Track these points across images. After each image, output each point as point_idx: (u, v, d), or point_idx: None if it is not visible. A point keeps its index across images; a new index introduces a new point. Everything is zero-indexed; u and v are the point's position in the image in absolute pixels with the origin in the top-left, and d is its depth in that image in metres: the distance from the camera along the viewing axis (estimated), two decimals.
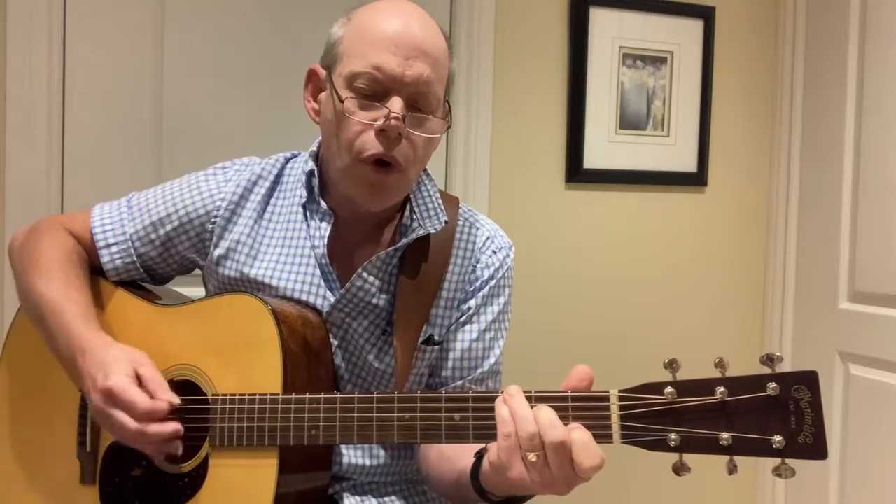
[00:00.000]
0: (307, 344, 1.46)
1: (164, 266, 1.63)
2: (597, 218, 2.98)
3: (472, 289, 1.58)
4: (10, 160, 2.34)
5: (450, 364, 1.57)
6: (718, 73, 3.10)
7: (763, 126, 3.22)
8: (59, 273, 1.51)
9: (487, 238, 1.62)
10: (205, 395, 1.42)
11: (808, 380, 1.09)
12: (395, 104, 1.40)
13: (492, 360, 1.59)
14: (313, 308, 1.52)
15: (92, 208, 1.66)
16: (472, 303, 1.58)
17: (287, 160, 1.65)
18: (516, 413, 1.15)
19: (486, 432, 1.22)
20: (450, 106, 1.52)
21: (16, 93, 2.34)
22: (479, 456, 1.30)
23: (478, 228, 1.62)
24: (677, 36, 3.02)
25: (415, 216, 1.56)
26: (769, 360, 1.10)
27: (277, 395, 1.37)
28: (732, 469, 1.11)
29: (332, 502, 1.53)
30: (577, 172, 2.91)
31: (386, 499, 1.57)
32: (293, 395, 1.35)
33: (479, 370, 1.58)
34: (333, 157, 1.47)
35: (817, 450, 1.09)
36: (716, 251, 3.17)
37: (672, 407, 1.13)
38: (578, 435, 1.12)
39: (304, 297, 1.52)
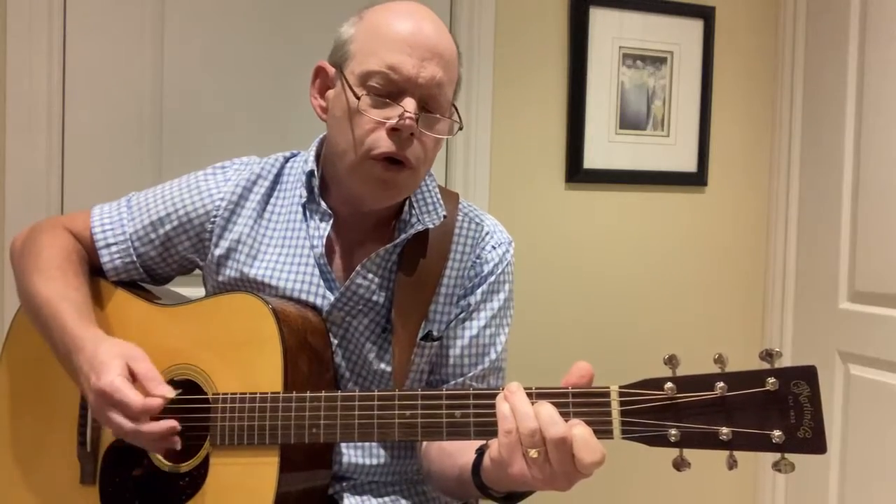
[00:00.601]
0: (308, 343, 1.46)
1: (163, 266, 1.63)
2: (597, 218, 2.98)
3: (471, 285, 1.58)
4: (10, 160, 2.35)
5: (450, 361, 1.57)
6: (718, 73, 3.10)
7: (763, 126, 3.23)
8: (57, 272, 1.51)
9: (487, 233, 1.62)
10: (205, 394, 1.42)
11: (807, 374, 1.10)
12: (409, 104, 1.41)
13: (492, 357, 1.59)
14: (313, 307, 1.52)
15: (92, 208, 1.66)
16: (471, 299, 1.58)
17: (286, 159, 1.65)
18: (517, 409, 1.15)
19: (487, 429, 1.22)
20: (456, 109, 1.52)
21: (16, 93, 2.34)
22: (481, 452, 1.30)
23: (477, 224, 1.62)
24: (677, 36, 3.02)
25: (414, 212, 1.56)
26: (768, 355, 1.10)
27: (278, 393, 1.37)
28: (732, 464, 1.12)
29: (333, 502, 1.53)
30: (577, 172, 2.91)
31: (386, 498, 1.57)
32: (294, 394, 1.35)
33: (480, 367, 1.58)
34: (341, 154, 1.47)
35: (817, 444, 1.09)
36: (716, 251, 3.17)
37: (672, 402, 1.14)
38: (579, 431, 1.12)
39: (303, 297, 1.52)
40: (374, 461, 1.57)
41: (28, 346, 1.59)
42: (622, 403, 1.16)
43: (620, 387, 1.17)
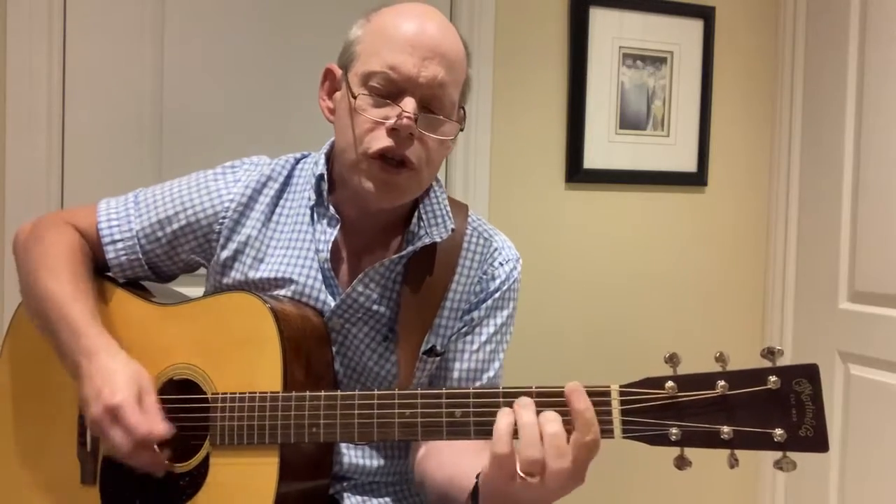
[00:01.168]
0: (307, 343, 1.45)
1: (169, 264, 1.62)
2: (597, 218, 2.98)
3: (476, 300, 1.57)
4: (10, 160, 2.34)
5: (449, 375, 1.56)
6: (718, 73, 3.10)
7: (763, 126, 3.22)
8: (65, 272, 1.49)
9: (495, 249, 1.61)
10: (204, 394, 1.42)
11: (809, 373, 1.10)
12: (409, 104, 1.40)
13: (491, 374, 1.58)
14: (313, 307, 1.52)
15: (98, 203, 1.64)
16: (475, 313, 1.57)
17: (297, 161, 1.64)
18: (525, 436, 1.15)
19: (487, 428, 1.21)
20: (464, 112, 1.52)
21: (16, 93, 2.34)
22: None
23: (486, 239, 1.61)
24: (677, 36, 3.02)
25: (422, 224, 1.55)
26: (770, 353, 1.10)
27: (278, 393, 1.36)
28: (733, 463, 1.11)
29: (333, 502, 1.53)
30: (577, 172, 2.91)
31: (387, 499, 1.57)
32: (293, 393, 1.35)
33: (478, 382, 1.57)
34: (343, 154, 1.47)
35: (818, 442, 1.09)
36: (716, 251, 3.17)
37: (673, 401, 1.14)
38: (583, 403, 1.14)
39: (304, 301, 1.52)
40: (375, 461, 1.56)
41: (28, 344, 1.58)
42: (623, 403, 1.16)
43: (621, 386, 1.17)
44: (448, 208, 1.59)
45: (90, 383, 1.35)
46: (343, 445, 1.54)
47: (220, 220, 1.56)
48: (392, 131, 1.40)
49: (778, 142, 3.21)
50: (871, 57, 2.87)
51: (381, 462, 1.57)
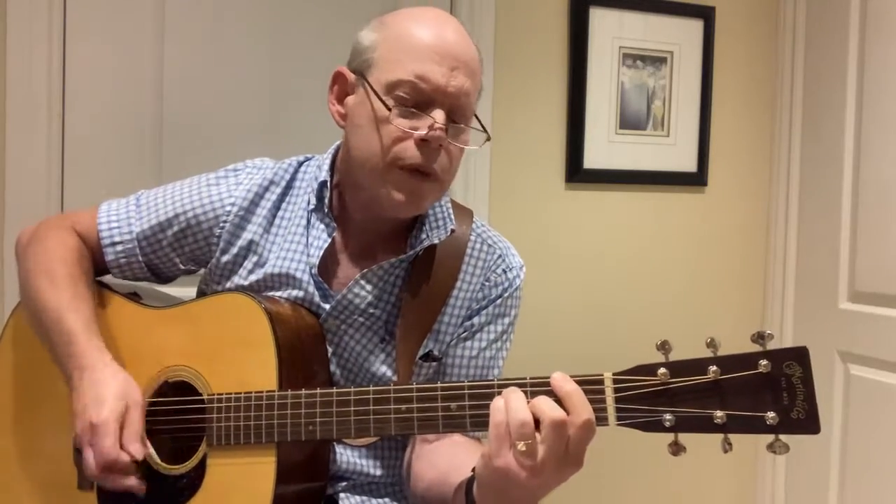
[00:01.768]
0: (302, 342, 1.46)
1: (169, 266, 1.62)
2: (597, 218, 2.98)
3: (477, 307, 1.57)
4: (10, 160, 2.35)
5: (449, 380, 1.52)
6: (718, 73, 3.10)
7: (763, 126, 3.23)
8: (63, 278, 1.49)
9: (499, 256, 1.60)
10: (200, 395, 1.42)
11: (799, 356, 1.11)
12: (440, 115, 1.39)
13: (491, 380, 1.57)
14: (308, 308, 1.52)
15: (99, 205, 1.64)
16: (475, 320, 1.57)
17: (300, 164, 1.63)
18: (510, 404, 1.15)
19: (483, 420, 1.22)
20: (479, 119, 1.51)
21: (16, 93, 2.34)
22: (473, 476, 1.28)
23: (490, 246, 1.60)
24: (677, 36, 3.02)
25: (424, 228, 1.55)
26: (760, 337, 1.11)
27: (273, 392, 1.36)
28: (727, 448, 1.12)
29: (331, 502, 1.53)
30: (577, 172, 2.91)
31: (385, 499, 1.57)
32: (289, 392, 1.35)
33: None
34: (363, 162, 1.45)
35: (810, 424, 1.09)
36: (716, 251, 3.17)
37: (666, 387, 1.14)
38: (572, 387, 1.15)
39: (300, 302, 1.52)
40: (373, 462, 1.56)
41: (25, 347, 1.59)
42: (616, 390, 1.17)
43: (614, 374, 1.18)
44: (451, 211, 1.59)
45: (79, 398, 1.36)
46: (341, 446, 1.54)
47: (222, 224, 1.56)
48: (422, 142, 1.39)
49: (778, 142, 3.21)
50: (871, 57, 2.87)
51: (380, 462, 1.57)
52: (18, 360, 1.60)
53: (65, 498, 1.50)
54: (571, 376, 1.18)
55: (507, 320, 1.60)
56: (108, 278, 1.64)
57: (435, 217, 1.56)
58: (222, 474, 1.38)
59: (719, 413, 1.11)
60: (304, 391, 1.34)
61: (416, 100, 1.40)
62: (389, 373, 1.53)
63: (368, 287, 1.51)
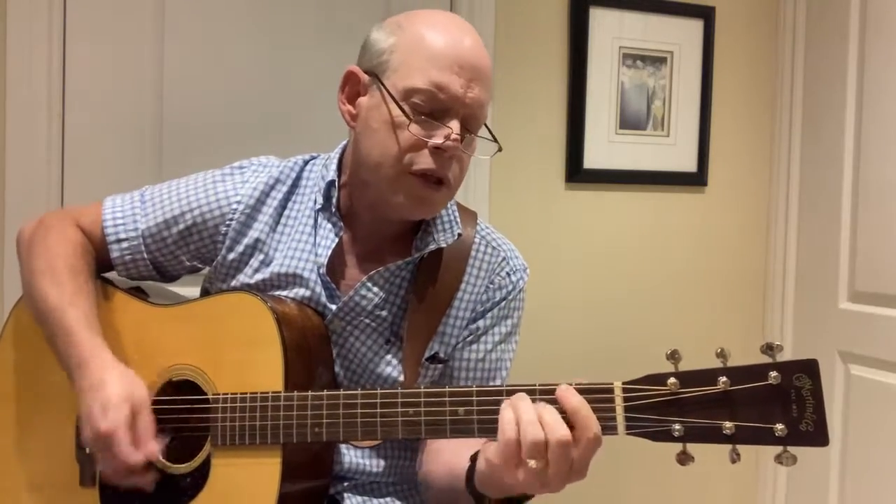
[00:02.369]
0: (308, 342, 1.45)
1: (174, 264, 1.61)
2: (597, 218, 2.98)
3: (482, 309, 1.57)
4: (10, 160, 2.34)
5: (457, 384, 1.55)
6: (718, 73, 3.10)
7: (763, 126, 3.23)
8: (65, 274, 1.48)
9: (503, 259, 1.60)
10: (205, 394, 1.42)
11: (809, 368, 1.11)
12: (456, 126, 1.40)
13: (497, 382, 1.57)
14: (314, 309, 1.52)
15: (103, 200, 1.63)
16: (480, 322, 1.57)
17: (305, 162, 1.62)
18: (522, 418, 1.15)
19: (491, 426, 1.22)
20: (489, 129, 1.51)
21: (16, 93, 2.33)
22: (474, 460, 1.29)
23: (494, 248, 1.60)
24: (677, 36, 3.02)
25: (430, 230, 1.54)
26: (769, 348, 1.11)
27: (279, 393, 1.36)
28: (735, 458, 1.12)
29: (334, 502, 1.53)
30: (577, 172, 2.91)
31: (388, 499, 1.57)
32: (295, 393, 1.35)
33: None
34: (375, 165, 1.44)
35: (819, 437, 1.10)
36: (716, 251, 3.17)
37: (675, 397, 1.14)
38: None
39: (306, 303, 1.52)
40: (376, 462, 1.56)
41: (26, 344, 1.58)
42: (626, 399, 1.17)
43: (624, 383, 1.18)
44: (457, 214, 1.59)
45: (83, 399, 1.35)
46: (344, 446, 1.53)
47: (227, 222, 1.55)
48: (436, 150, 1.40)
49: (778, 142, 3.21)
50: (871, 57, 2.87)
51: (382, 462, 1.57)
52: (19, 358, 1.60)
53: (67, 494, 1.49)
54: (582, 384, 1.19)
55: (511, 322, 1.60)
56: (112, 275, 1.63)
57: (442, 220, 1.56)
58: (226, 474, 1.38)
59: (728, 424, 1.11)
60: (310, 393, 1.34)
61: (432, 108, 1.40)
62: (395, 374, 1.53)
63: (375, 289, 1.51)
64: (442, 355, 1.55)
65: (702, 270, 3.15)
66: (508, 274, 1.59)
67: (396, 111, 1.41)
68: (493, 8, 2.77)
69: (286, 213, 1.57)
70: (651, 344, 2.98)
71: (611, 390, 1.17)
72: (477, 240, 1.60)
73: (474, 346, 1.56)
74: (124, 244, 1.59)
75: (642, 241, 3.05)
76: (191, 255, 1.59)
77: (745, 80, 3.18)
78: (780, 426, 1.09)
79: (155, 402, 1.41)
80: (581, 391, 1.18)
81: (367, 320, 1.52)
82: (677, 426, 1.13)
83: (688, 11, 3.03)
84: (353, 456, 1.54)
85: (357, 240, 1.55)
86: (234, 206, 1.55)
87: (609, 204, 2.99)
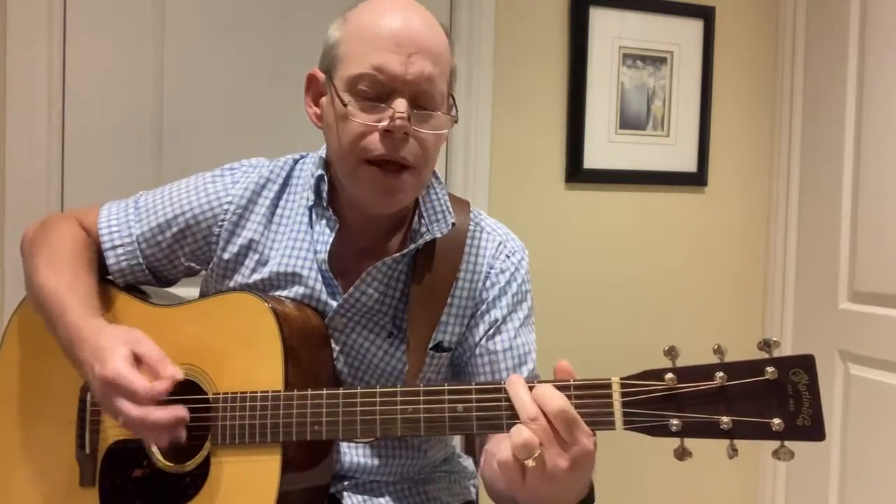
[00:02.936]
0: (308, 341, 1.46)
1: (170, 268, 1.62)
2: (597, 218, 2.98)
3: (488, 297, 1.56)
4: (10, 160, 2.34)
5: (491, 377, 1.54)
6: (718, 73, 3.11)
7: (763, 126, 3.23)
8: (65, 264, 1.50)
9: (500, 243, 1.60)
10: (205, 393, 1.42)
11: (806, 363, 1.11)
12: (400, 104, 1.37)
13: (530, 366, 1.57)
14: (314, 307, 1.52)
15: (101, 208, 1.64)
16: (496, 313, 1.56)
17: (296, 161, 1.63)
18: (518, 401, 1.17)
19: (490, 422, 1.23)
20: (454, 100, 1.50)
21: (16, 93, 2.34)
22: None
23: (489, 233, 1.61)
24: (677, 36, 3.02)
25: (423, 221, 1.54)
26: (766, 344, 1.12)
27: (279, 391, 1.36)
28: (732, 453, 1.12)
29: (335, 501, 1.53)
30: (577, 172, 2.91)
31: (388, 497, 1.57)
32: (295, 392, 1.35)
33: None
34: (339, 162, 1.46)
35: (815, 431, 1.10)
36: (716, 251, 3.18)
37: (673, 393, 1.14)
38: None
39: (305, 302, 1.52)
40: (376, 460, 1.56)
41: (26, 345, 1.59)
42: (624, 395, 1.17)
43: (622, 378, 1.18)
44: (448, 204, 1.58)
45: (86, 366, 1.34)
46: (344, 445, 1.54)
47: (220, 223, 1.56)
48: (385, 133, 1.38)
49: (778, 142, 3.22)
50: (872, 57, 2.87)
51: (382, 461, 1.57)
52: (21, 358, 1.60)
53: (67, 495, 1.50)
54: (580, 380, 1.20)
55: (526, 304, 1.60)
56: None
57: (434, 210, 1.56)
58: (226, 473, 1.38)
59: (725, 419, 1.11)
60: (310, 391, 1.34)
61: (378, 91, 1.39)
62: (399, 367, 1.54)
63: (374, 284, 1.51)
64: (446, 344, 1.55)
65: (702, 270, 3.15)
66: (508, 256, 1.59)
67: (338, 102, 1.41)
68: (493, 8, 2.77)
69: (279, 211, 1.58)
70: (651, 344, 2.97)
71: (608, 385, 1.18)
72: (471, 227, 1.60)
73: (498, 338, 1.55)
74: (119, 250, 1.59)
75: (642, 241, 3.05)
76: (186, 257, 1.60)
77: (745, 80, 3.18)
78: (776, 421, 1.09)
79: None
80: (578, 386, 1.19)
81: (369, 315, 1.52)
82: (675, 421, 1.13)
83: (688, 11, 3.03)
84: (353, 455, 1.55)
85: (352, 234, 1.55)
86: (226, 206, 1.56)
87: (609, 204, 2.99)
